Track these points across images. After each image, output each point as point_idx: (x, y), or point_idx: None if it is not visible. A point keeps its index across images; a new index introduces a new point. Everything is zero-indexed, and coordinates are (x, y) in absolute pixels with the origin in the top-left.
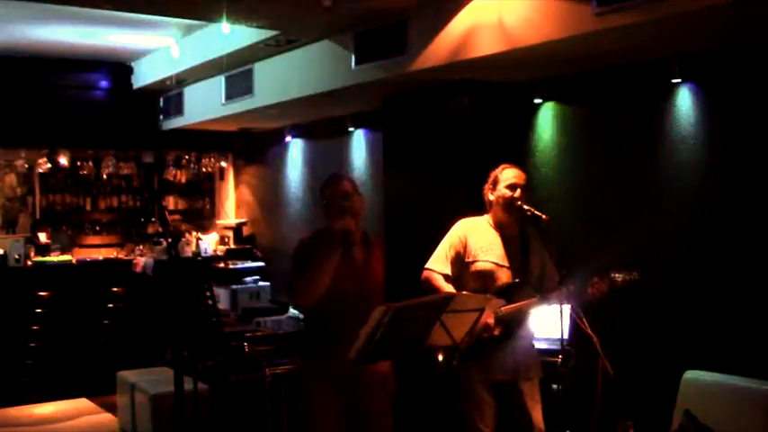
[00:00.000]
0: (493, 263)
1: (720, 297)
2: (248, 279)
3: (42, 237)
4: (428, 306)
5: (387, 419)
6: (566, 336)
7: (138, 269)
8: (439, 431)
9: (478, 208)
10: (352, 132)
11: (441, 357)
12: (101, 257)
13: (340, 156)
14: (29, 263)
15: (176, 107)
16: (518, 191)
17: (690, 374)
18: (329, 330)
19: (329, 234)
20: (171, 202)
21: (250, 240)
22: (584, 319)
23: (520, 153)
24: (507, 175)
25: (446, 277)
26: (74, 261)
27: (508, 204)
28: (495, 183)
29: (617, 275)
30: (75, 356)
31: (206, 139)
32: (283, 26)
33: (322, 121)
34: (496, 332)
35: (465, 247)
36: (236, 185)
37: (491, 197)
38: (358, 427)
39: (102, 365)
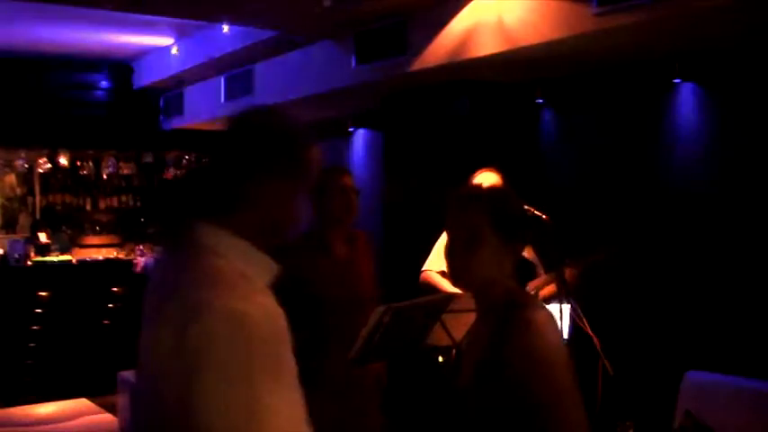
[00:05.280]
0: None
1: (721, 297)
2: None
3: (42, 237)
4: (428, 306)
5: (378, 419)
6: (566, 336)
7: (139, 269)
8: None
9: None
10: (352, 132)
11: (441, 359)
12: (101, 257)
13: (340, 156)
14: (29, 263)
15: (176, 107)
16: None
17: (690, 375)
18: (319, 332)
19: (316, 239)
20: None
21: None
22: (584, 319)
23: (520, 153)
24: (479, 182)
25: (443, 273)
26: (74, 261)
27: None
28: None
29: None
30: (75, 356)
31: (206, 140)
32: (283, 26)
33: (322, 121)
34: None
35: None
36: None
37: None
38: (352, 428)
39: (102, 365)
